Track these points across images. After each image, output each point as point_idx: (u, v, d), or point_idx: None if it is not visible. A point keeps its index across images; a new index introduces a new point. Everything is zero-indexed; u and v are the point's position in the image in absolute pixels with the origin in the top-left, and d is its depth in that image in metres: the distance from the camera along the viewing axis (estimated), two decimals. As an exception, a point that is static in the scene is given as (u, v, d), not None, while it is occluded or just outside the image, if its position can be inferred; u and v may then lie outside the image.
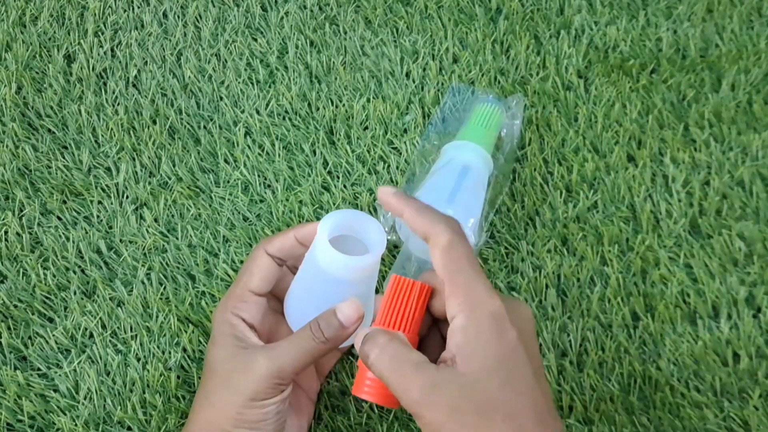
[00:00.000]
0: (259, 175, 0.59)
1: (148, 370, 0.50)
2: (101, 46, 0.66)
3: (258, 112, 0.63)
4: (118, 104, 0.63)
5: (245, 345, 0.43)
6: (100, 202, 0.58)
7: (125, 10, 0.69)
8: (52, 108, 0.62)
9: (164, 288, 0.54)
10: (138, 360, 0.51)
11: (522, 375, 0.36)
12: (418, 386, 0.36)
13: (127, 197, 0.58)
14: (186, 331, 0.52)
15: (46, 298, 0.54)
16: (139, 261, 0.55)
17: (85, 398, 0.49)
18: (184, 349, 0.51)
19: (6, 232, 0.56)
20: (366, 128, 0.62)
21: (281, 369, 0.41)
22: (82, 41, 0.66)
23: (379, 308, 0.41)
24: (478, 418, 0.35)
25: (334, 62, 0.65)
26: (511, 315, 0.37)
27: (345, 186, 0.59)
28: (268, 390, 0.41)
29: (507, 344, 0.36)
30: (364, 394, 0.40)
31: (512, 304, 0.39)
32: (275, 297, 0.48)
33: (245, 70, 0.65)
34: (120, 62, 0.65)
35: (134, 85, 0.64)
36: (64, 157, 0.60)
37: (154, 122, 0.62)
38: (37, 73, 0.65)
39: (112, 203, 0.58)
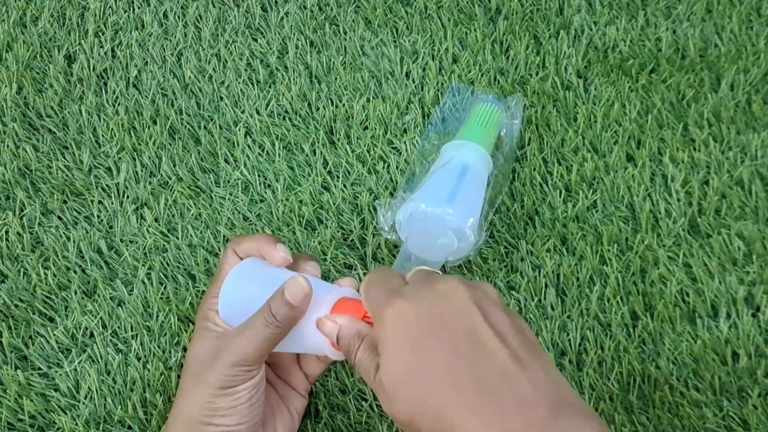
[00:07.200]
0: (259, 175, 0.59)
1: (149, 370, 0.50)
2: (102, 47, 0.66)
3: (258, 112, 0.63)
4: (119, 104, 0.63)
5: (219, 334, 0.44)
6: (100, 202, 0.58)
7: (126, 11, 0.69)
8: (52, 108, 0.62)
9: (165, 287, 0.54)
10: (138, 359, 0.51)
11: (433, 349, 0.36)
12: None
13: (128, 197, 0.58)
14: (186, 331, 0.52)
15: (47, 297, 0.54)
16: (140, 261, 0.55)
17: (85, 397, 0.50)
18: (185, 349, 0.51)
19: (7, 232, 0.56)
20: (366, 128, 0.62)
21: (245, 356, 0.42)
22: (82, 41, 0.66)
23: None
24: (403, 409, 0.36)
25: (334, 62, 0.65)
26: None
27: (345, 186, 0.59)
28: (236, 377, 0.42)
29: (412, 325, 0.36)
30: None
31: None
32: None
33: (245, 70, 0.65)
34: (120, 62, 0.65)
35: (135, 86, 0.64)
36: (64, 157, 0.60)
37: (155, 122, 0.62)
38: (37, 73, 0.65)
39: (112, 203, 0.58)
